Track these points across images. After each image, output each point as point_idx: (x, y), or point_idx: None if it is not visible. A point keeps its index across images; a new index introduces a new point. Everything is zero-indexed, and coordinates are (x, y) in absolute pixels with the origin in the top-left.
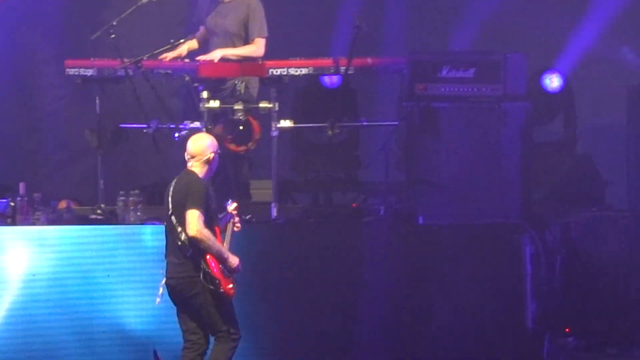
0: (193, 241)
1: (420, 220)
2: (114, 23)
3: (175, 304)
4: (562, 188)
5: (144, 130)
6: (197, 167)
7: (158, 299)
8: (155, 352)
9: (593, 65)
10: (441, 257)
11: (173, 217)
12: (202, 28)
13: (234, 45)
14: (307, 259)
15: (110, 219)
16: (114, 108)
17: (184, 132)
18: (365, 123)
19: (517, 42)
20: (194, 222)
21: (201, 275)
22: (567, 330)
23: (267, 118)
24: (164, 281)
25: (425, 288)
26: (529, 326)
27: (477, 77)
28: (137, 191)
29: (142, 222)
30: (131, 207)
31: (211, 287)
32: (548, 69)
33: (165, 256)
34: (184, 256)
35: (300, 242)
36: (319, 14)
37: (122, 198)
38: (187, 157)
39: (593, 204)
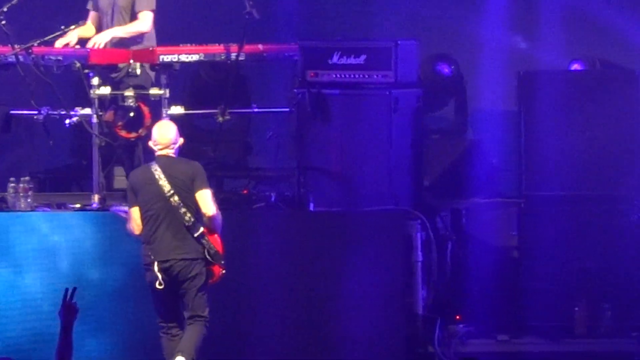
0: (211, 219)
1: (311, 207)
2: (5, 9)
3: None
4: (453, 175)
5: (35, 117)
6: (172, 154)
7: (160, 285)
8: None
9: (485, 52)
10: (332, 244)
11: (176, 198)
12: (92, 14)
13: (123, 21)
14: None
15: (1, 205)
16: (4, 94)
17: (74, 119)
18: (256, 109)
19: (409, 28)
20: (212, 201)
21: (207, 254)
22: (457, 317)
23: (157, 104)
24: (157, 265)
25: (316, 275)
26: (420, 313)
27: (368, 63)
28: (27, 178)
29: (33, 209)
30: (22, 194)
31: (215, 263)
32: (440, 55)
33: (153, 240)
34: (192, 236)
35: None
36: None
37: (12, 185)
38: (159, 146)
39: (484, 191)
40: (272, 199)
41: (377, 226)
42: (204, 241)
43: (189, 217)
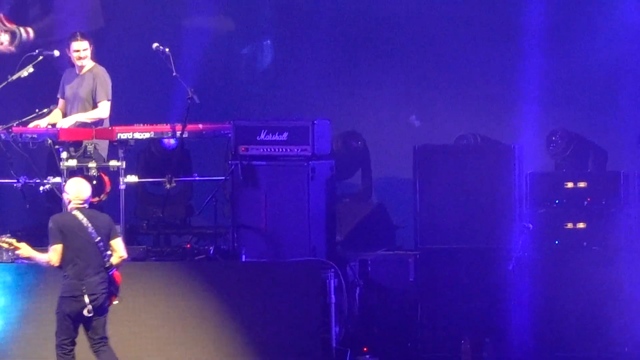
0: (124, 260)
1: (243, 258)
2: None
3: (86, 318)
4: (360, 231)
5: (14, 185)
6: (87, 207)
7: (89, 313)
8: None
9: (386, 128)
10: (260, 289)
11: (101, 244)
12: (60, 101)
13: (84, 109)
14: (149, 293)
15: None
16: None
17: (47, 186)
18: (197, 178)
19: (323, 108)
20: (124, 247)
21: (112, 288)
22: (365, 349)
23: (116, 174)
24: (87, 298)
25: (247, 316)
26: (334, 346)
27: (290, 139)
28: (8, 234)
29: (13, 261)
30: (4, 248)
31: (114, 294)
32: (349, 131)
33: (84, 277)
34: (108, 274)
35: (142, 277)
36: (160, 87)
37: None
38: (78, 202)
39: (386, 245)
40: (211, 252)
41: (297, 274)
42: (112, 277)
43: (107, 260)
